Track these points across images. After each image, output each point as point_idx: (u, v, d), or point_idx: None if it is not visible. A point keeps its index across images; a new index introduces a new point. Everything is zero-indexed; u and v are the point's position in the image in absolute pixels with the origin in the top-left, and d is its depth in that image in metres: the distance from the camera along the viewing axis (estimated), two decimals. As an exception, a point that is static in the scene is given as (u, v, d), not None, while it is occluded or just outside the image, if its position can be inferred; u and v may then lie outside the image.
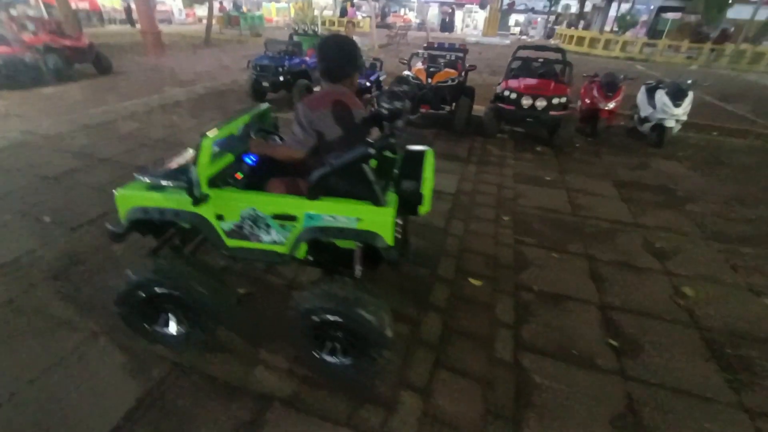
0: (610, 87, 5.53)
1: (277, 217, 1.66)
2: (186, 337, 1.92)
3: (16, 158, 4.02)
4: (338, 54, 1.70)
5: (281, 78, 6.37)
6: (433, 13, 31.61)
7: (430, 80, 5.35)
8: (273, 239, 1.72)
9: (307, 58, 6.77)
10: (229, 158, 1.85)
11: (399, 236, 1.66)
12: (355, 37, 7.66)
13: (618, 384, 1.91)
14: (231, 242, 1.77)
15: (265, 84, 6.42)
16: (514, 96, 5.04)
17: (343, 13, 24.01)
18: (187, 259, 1.92)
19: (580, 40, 19.23)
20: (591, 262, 2.85)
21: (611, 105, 5.41)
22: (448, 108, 5.72)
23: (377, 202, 1.57)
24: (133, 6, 17.64)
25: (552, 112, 4.95)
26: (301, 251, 1.80)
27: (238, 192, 1.74)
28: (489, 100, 5.60)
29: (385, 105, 1.67)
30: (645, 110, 5.56)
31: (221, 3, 23.04)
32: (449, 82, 5.41)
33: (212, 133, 1.62)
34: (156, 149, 4.46)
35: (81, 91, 7.11)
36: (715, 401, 1.85)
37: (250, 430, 1.61)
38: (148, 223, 1.90)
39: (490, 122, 5.39)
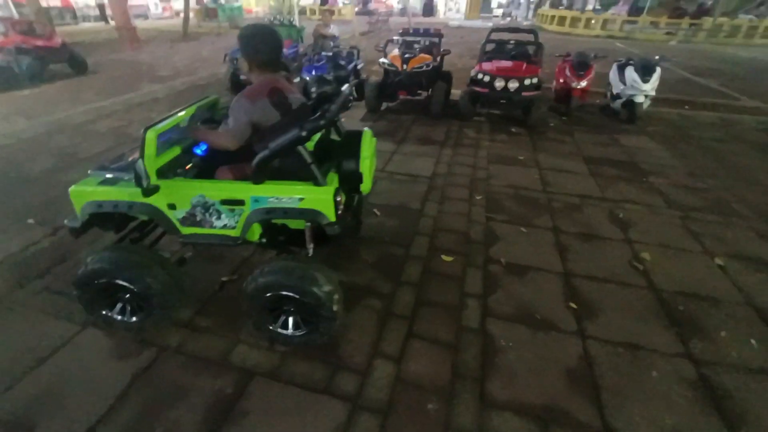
0: (581, 66, 5.64)
1: (225, 202, 1.76)
2: (143, 322, 2.00)
3: (-6, 162, 4.03)
4: (265, 44, 1.73)
5: (258, 70, 6.36)
6: (415, -2, 31.21)
7: (405, 66, 5.41)
8: (224, 224, 1.82)
9: (285, 49, 6.76)
10: (176, 150, 1.92)
11: (340, 213, 1.76)
12: (332, 26, 7.53)
13: (576, 343, 2.07)
14: (185, 229, 1.86)
15: (243, 77, 6.40)
16: (487, 78, 5.13)
17: (324, 1, 23.63)
18: (132, 250, 1.95)
19: (562, 20, 19.25)
20: (557, 234, 3.00)
21: (583, 83, 5.53)
22: (424, 93, 5.79)
23: (316, 181, 1.69)
24: (106, 1, 17.20)
25: (524, 93, 5.06)
26: (254, 234, 1.90)
27: (187, 181, 1.81)
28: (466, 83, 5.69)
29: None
30: (617, 87, 5.69)
31: (198, -5, 22.53)
32: (424, 68, 5.47)
33: (156, 126, 1.67)
34: (137, 147, 4.48)
35: (57, 91, 7.02)
36: (663, 352, 2.02)
37: (234, 401, 1.73)
38: (109, 218, 1.96)
39: (465, 105, 5.48)
